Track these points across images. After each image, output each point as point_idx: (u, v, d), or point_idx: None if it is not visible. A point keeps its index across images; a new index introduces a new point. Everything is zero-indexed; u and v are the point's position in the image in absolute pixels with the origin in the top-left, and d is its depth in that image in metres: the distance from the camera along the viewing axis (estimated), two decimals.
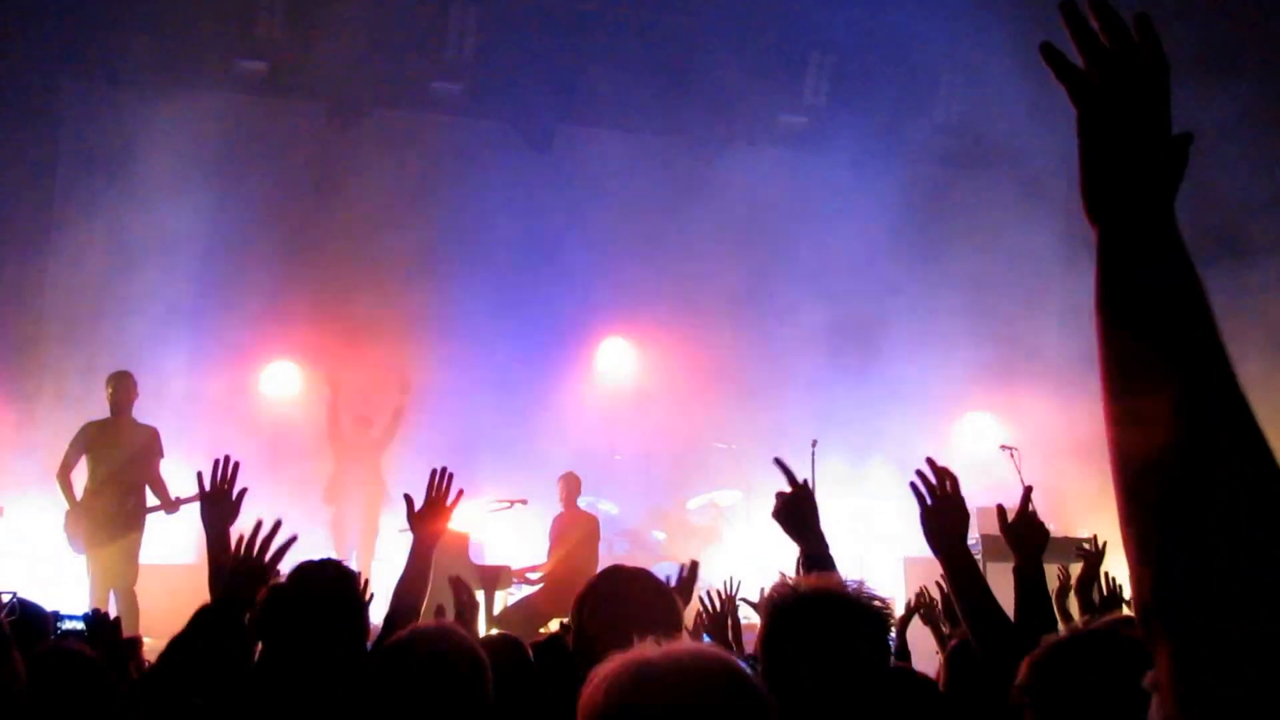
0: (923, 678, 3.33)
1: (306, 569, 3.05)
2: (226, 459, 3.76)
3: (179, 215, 10.42)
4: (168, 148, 9.95)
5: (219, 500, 3.66)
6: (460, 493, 3.81)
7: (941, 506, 3.23)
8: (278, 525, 3.39)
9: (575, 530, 9.74)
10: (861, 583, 2.25)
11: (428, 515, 3.74)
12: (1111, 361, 1.11)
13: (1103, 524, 9.05)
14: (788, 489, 3.49)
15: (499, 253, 11.28)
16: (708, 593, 4.45)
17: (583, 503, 10.25)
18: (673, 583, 3.39)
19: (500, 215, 11.37)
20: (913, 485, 3.26)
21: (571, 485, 10.05)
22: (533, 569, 9.69)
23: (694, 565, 4.08)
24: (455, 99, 11.80)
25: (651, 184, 11.97)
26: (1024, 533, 3.53)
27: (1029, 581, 3.44)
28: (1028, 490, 3.63)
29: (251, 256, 10.76)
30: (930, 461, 3.29)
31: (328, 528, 10.40)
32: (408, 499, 3.87)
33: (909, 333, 11.46)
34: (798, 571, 3.21)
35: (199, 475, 3.73)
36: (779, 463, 3.55)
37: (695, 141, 12.22)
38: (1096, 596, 4.79)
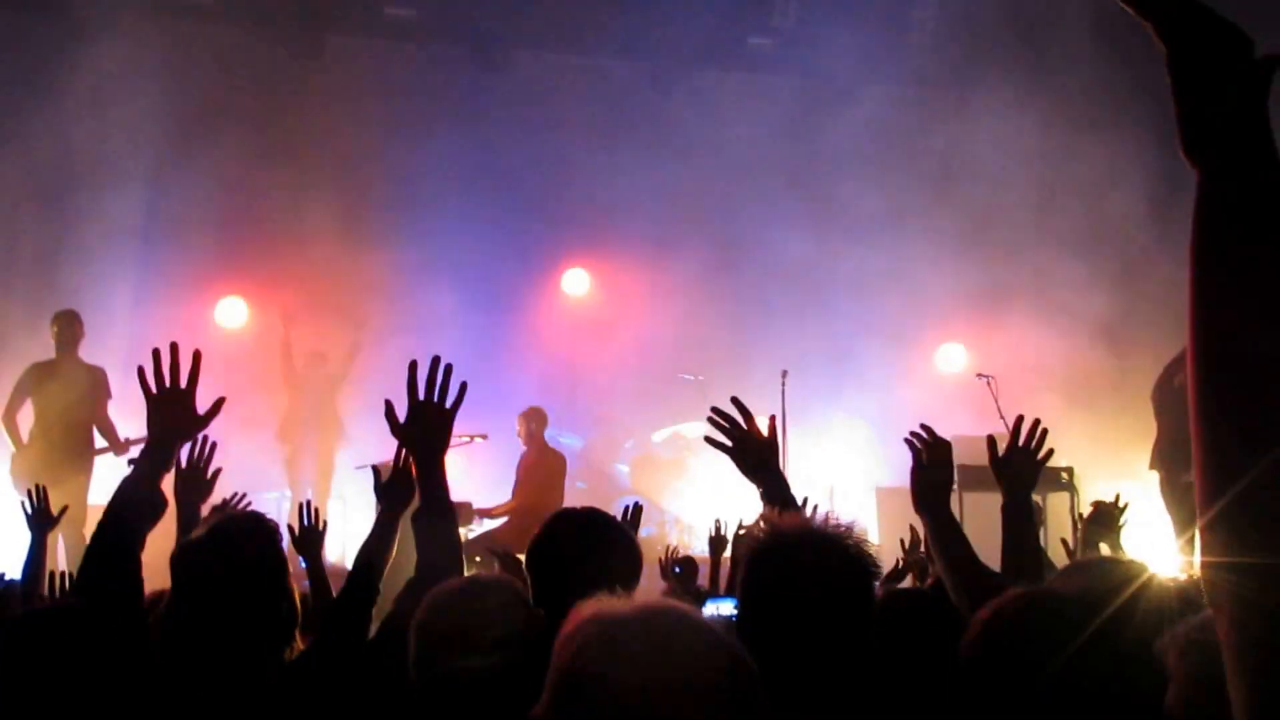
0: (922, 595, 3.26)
1: (223, 525, 2.64)
2: (174, 348, 2.95)
3: (119, 145, 10.01)
4: (105, 74, 9.51)
5: (170, 403, 2.90)
6: (464, 387, 3.03)
7: (935, 467, 3.25)
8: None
9: (542, 467, 9.52)
10: (851, 525, 2.02)
11: (420, 426, 3.01)
12: (1211, 311, 1.10)
13: (1079, 456, 8.96)
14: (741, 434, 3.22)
15: (456, 180, 10.90)
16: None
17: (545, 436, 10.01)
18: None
19: (457, 142, 10.97)
20: (909, 442, 3.33)
21: (535, 421, 9.68)
22: (497, 507, 9.48)
23: (638, 508, 3.99)
24: (410, 23, 11.40)
25: (613, 109, 11.67)
26: (1015, 468, 3.36)
27: (1017, 520, 3.30)
28: (1019, 421, 3.49)
29: (198, 188, 10.32)
30: (926, 428, 3.35)
31: (282, 465, 10.20)
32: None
33: (882, 260, 11.19)
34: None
35: (140, 371, 2.93)
36: (724, 412, 3.25)
37: (658, 65, 11.84)
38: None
